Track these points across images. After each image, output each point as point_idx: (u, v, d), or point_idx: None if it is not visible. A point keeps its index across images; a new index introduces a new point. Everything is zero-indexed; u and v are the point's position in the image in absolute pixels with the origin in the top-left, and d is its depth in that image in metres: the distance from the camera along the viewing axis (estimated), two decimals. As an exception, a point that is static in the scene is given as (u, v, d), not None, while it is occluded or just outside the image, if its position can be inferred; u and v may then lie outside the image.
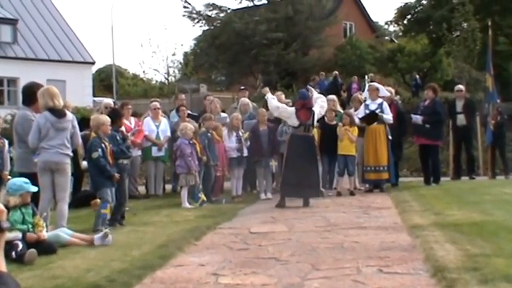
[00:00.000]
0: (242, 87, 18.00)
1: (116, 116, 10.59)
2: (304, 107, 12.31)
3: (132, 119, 14.25)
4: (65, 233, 8.36)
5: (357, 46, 41.91)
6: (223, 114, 15.25)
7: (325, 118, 14.25)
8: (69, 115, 9.15)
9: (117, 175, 9.87)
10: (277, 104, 12.78)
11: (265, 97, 13.09)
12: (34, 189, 8.05)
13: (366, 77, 30.62)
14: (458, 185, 15.17)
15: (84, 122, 12.32)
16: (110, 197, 9.68)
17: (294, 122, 12.25)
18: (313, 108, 12.35)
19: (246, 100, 15.89)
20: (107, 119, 10.04)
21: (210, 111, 14.89)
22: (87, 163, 10.34)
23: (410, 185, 15.19)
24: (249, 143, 13.83)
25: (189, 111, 15.42)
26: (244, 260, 7.23)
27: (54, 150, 8.86)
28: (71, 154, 9.19)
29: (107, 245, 8.19)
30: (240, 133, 13.85)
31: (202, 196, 12.70)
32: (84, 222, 9.96)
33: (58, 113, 8.90)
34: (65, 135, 8.96)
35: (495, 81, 19.81)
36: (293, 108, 12.47)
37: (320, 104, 12.66)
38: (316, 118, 12.47)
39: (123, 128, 11.04)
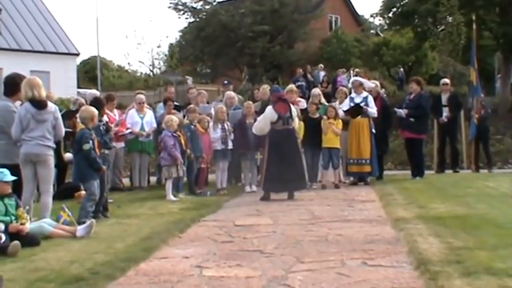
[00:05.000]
0: (226, 82, 17.92)
1: (99, 105, 10.53)
2: (280, 99, 12.37)
3: (116, 111, 14.19)
4: (48, 224, 8.31)
5: (343, 39, 41.89)
6: (207, 105, 15.22)
7: (308, 112, 14.28)
8: (51, 106, 9.04)
9: (104, 168, 9.84)
10: (255, 125, 12.79)
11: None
12: (9, 178, 7.95)
13: (351, 70, 30.64)
14: (442, 178, 15.24)
15: (66, 114, 12.28)
16: (96, 190, 9.64)
17: (273, 117, 12.26)
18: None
19: (232, 94, 15.88)
20: (96, 110, 9.96)
21: (196, 103, 14.90)
22: (74, 154, 10.22)
23: (395, 178, 15.25)
24: (232, 135, 13.82)
25: (176, 103, 15.37)
26: (229, 253, 7.23)
27: (35, 142, 8.79)
28: (53, 146, 9.12)
29: (89, 237, 8.16)
30: (226, 126, 13.83)
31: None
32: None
33: (39, 104, 8.81)
34: (46, 126, 8.88)
35: (479, 75, 19.87)
36: (267, 111, 12.47)
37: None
38: (293, 112, 12.52)
39: (106, 119, 10.94)
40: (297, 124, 12.84)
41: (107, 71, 45.75)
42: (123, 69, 44.49)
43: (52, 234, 8.17)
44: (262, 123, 12.44)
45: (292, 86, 15.58)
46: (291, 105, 12.54)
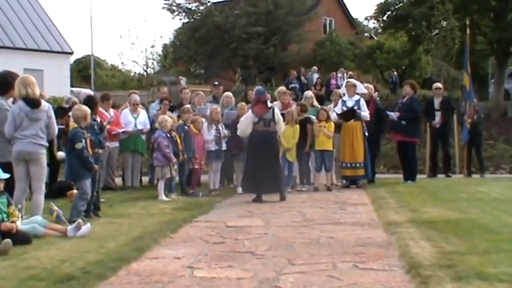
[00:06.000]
0: (216, 83, 17.91)
1: (92, 104, 10.50)
2: (259, 101, 12.43)
3: (112, 111, 14.19)
4: (40, 223, 8.28)
5: (337, 42, 41.95)
6: (204, 106, 15.23)
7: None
8: (45, 105, 9.03)
9: (96, 167, 9.82)
10: (239, 127, 12.79)
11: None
12: (3, 176, 7.93)
13: (345, 73, 30.66)
14: (434, 182, 15.29)
15: (58, 111, 12.25)
16: (88, 189, 9.62)
17: (254, 118, 12.33)
18: (271, 104, 12.61)
19: (229, 93, 15.90)
20: (88, 109, 9.93)
21: (193, 103, 14.90)
22: (67, 153, 10.19)
23: (387, 182, 15.28)
24: (227, 138, 13.84)
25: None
26: (220, 254, 7.23)
27: (28, 140, 8.78)
28: (46, 144, 9.10)
29: (80, 237, 8.14)
30: (220, 127, 13.83)
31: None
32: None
33: (32, 102, 8.80)
34: (39, 125, 8.87)
35: (472, 80, 19.93)
36: (248, 112, 12.64)
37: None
38: (276, 114, 12.52)
39: (98, 119, 10.92)
40: (283, 127, 12.85)
41: (101, 70, 45.65)
42: (116, 69, 44.39)
43: (45, 234, 8.14)
44: (244, 124, 12.58)
45: (282, 88, 15.63)
46: (275, 108, 12.60)
